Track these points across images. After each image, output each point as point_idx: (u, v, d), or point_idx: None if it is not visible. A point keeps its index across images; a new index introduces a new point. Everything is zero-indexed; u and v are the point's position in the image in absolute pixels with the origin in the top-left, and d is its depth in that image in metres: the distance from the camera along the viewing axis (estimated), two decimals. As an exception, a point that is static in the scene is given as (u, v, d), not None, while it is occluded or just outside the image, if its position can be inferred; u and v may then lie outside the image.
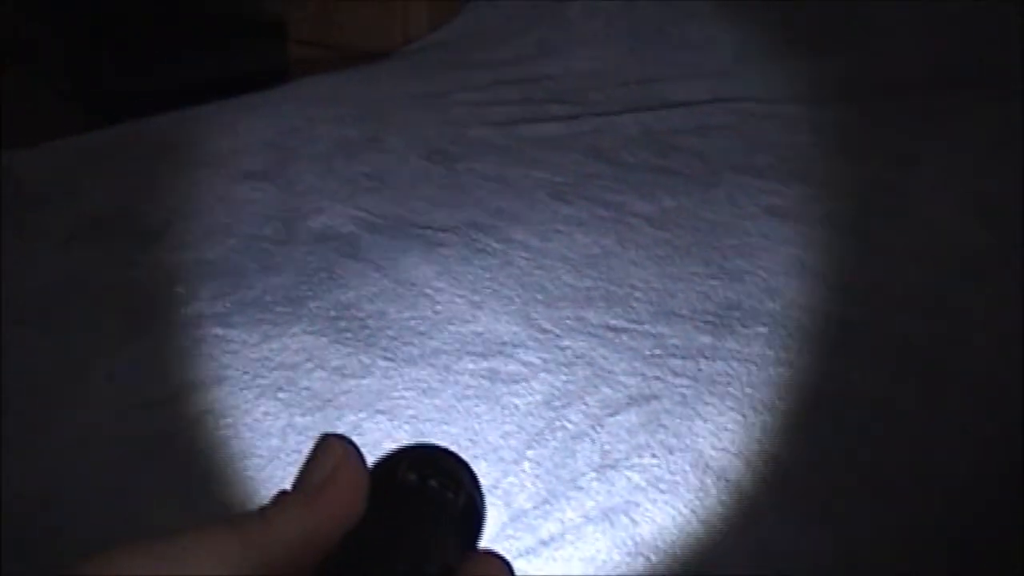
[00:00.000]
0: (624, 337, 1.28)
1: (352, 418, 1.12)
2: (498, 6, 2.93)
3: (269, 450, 1.10)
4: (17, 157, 1.96)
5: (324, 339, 1.30)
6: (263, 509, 0.35)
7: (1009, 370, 1.35)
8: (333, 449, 0.37)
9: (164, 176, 1.88)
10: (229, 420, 1.15)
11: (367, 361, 1.24)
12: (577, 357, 1.24)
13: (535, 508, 0.99)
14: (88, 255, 1.57)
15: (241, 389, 1.21)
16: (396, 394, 1.17)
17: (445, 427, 1.10)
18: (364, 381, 1.20)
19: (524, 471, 1.03)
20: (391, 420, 1.11)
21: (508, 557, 0.36)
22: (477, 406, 1.14)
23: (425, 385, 1.18)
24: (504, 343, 1.27)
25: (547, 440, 1.08)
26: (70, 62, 3.22)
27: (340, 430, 0.42)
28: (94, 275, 1.51)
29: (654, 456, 1.05)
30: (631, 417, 1.11)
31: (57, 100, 3.25)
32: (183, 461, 1.11)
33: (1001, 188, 1.72)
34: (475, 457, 1.05)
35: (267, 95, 2.40)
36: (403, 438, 1.09)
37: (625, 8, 2.64)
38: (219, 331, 1.34)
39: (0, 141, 2.16)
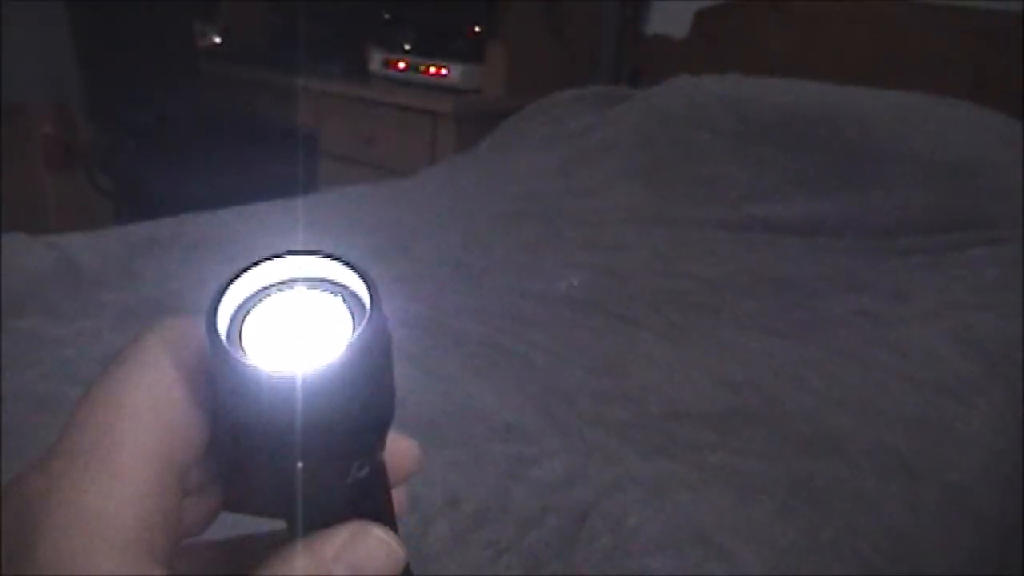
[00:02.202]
0: (635, 430, 1.42)
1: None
2: (520, 135, 3.12)
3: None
4: (71, 240, 2.11)
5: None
6: None
7: (988, 485, 1.50)
8: None
9: (207, 266, 2.02)
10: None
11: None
12: (593, 446, 1.37)
13: (554, 559, 1.12)
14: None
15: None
16: (432, 471, 1.30)
17: (477, 495, 1.23)
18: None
19: (546, 529, 1.17)
20: (430, 489, 1.24)
21: None
22: (504, 483, 1.27)
23: (460, 462, 1.32)
24: (528, 431, 1.41)
25: (565, 508, 1.21)
26: (114, 164, 3.38)
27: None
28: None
29: (661, 527, 1.18)
30: (640, 493, 1.24)
31: (97, 197, 3.42)
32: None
33: (992, 323, 1.87)
34: (503, 518, 1.18)
35: (303, 200, 2.57)
36: (439, 504, 1.22)
37: (640, 144, 2.82)
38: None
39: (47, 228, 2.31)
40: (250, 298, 0.38)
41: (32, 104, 3.57)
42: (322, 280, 0.38)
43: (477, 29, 3.43)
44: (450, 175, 2.95)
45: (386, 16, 3.66)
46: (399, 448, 0.40)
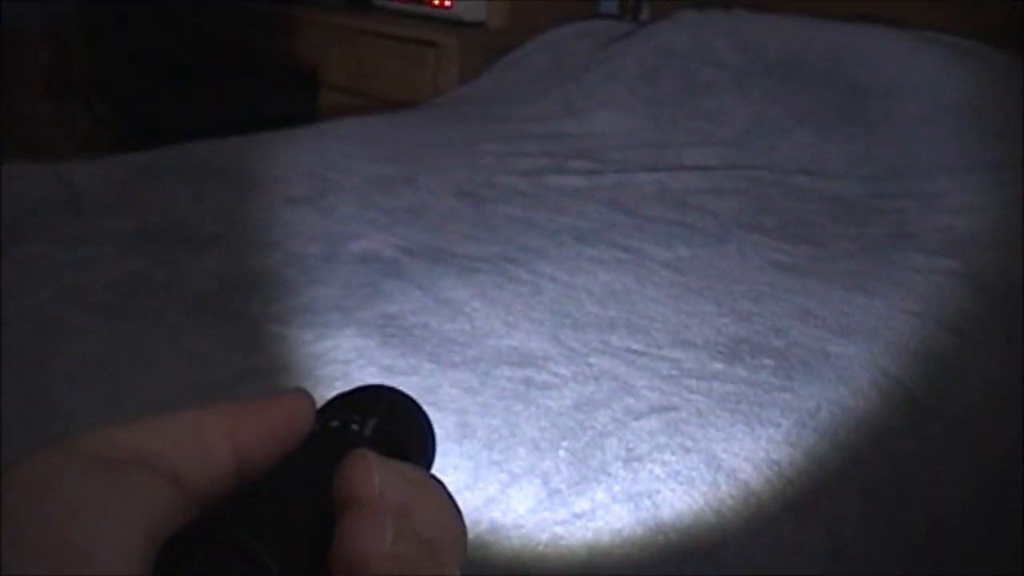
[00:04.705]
0: (644, 359, 1.42)
1: (402, 408, 1.26)
2: (523, 69, 3.10)
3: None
4: (75, 168, 2.10)
5: (372, 342, 1.43)
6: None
7: (992, 415, 1.51)
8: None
9: (212, 194, 2.02)
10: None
11: (414, 362, 1.37)
12: (602, 372, 1.38)
13: (569, 488, 1.12)
14: (146, 258, 1.71)
15: (300, 379, 1.34)
16: (442, 391, 1.30)
17: (487, 420, 1.24)
18: (412, 379, 1.33)
19: (559, 457, 1.17)
20: (438, 411, 1.24)
21: (547, 526, 0.35)
22: (515, 405, 1.28)
23: (468, 385, 1.32)
24: (536, 357, 1.41)
25: (578, 435, 1.21)
26: (112, 93, 3.36)
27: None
28: (154, 274, 1.65)
29: (672, 454, 1.19)
30: (652, 422, 1.25)
31: (94, 126, 3.40)
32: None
33: (994, 262, 1.88)
34: (515, 445, 1.19)
35: (306, 130, 2.56)
36: (449, 426, 1.22)
37: (645, 78, 2.81)
38: (275, 329, 1.48)
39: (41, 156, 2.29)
40: None
41: (30, 31, 3.54)
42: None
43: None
44: (453, 107, 2.94)
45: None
46: (285, 406, 0.39)
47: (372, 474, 0.33)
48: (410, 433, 0.41)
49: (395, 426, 0.40)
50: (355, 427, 0.38)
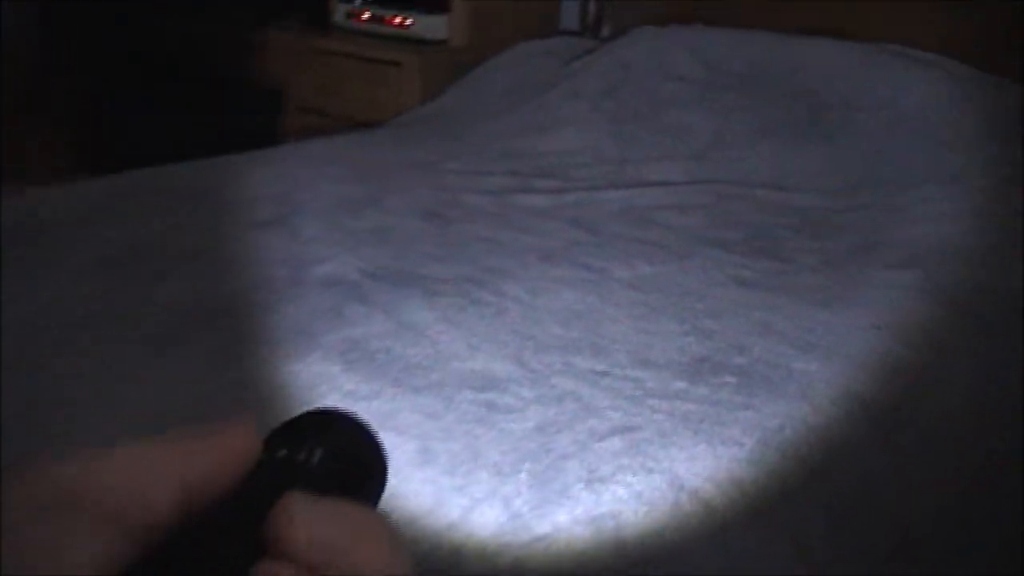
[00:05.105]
0: (607, 380, 1.43)
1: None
2: (486, 87, 3.11)
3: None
4: (36, 195, 2.10)
5: (336, 367, 1.43)
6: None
7: (958, 427, 1.53)
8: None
9: (174, 219, 2.02)
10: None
11: (377, 387, 1.38)
12: (565, 394, 1.38)
13: (530, 511, 1.13)
14: (104, 288, 1.70)
15: (264, 406, 1.34)
16: (404, 416, 1.31)
17: (449, 444, 1.24)
18: (374, 404, 1.34)
19: (521, 481, 1.17)
20: (400, 437, 1.25)
21: (509, 550, 0.35)
22: (476, 429, 1.28)
23: (430, 410, 1.32)
24: (499, 379, 1.42)
25: (540, 458, 1.22)
26: (77, 114, 3.35)
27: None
28: (117, 302, 1.65)
29: (635, 475, 1.19)
30: (614, 443, 1.25)
31: (60, 148, 3.38)
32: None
33: (957, 273, 1.89)
34: (476, 469, 1.19)
35: (271, 152, 2.56)
36: (411, 452, 1.22)
37: (607, 94, 2.82)
38: (241, 356, 1.48)
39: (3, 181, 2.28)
40: None
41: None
42: None
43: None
44: (418, 126, 2.94)
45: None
46: (231, 437, 0.38)
47: (298, 522, 0.34)
48: (360, 459, 0.41)
49: (344, 453, 0.39)
50: (302, 457, 0.38)
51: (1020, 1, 2.62)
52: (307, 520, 0.34)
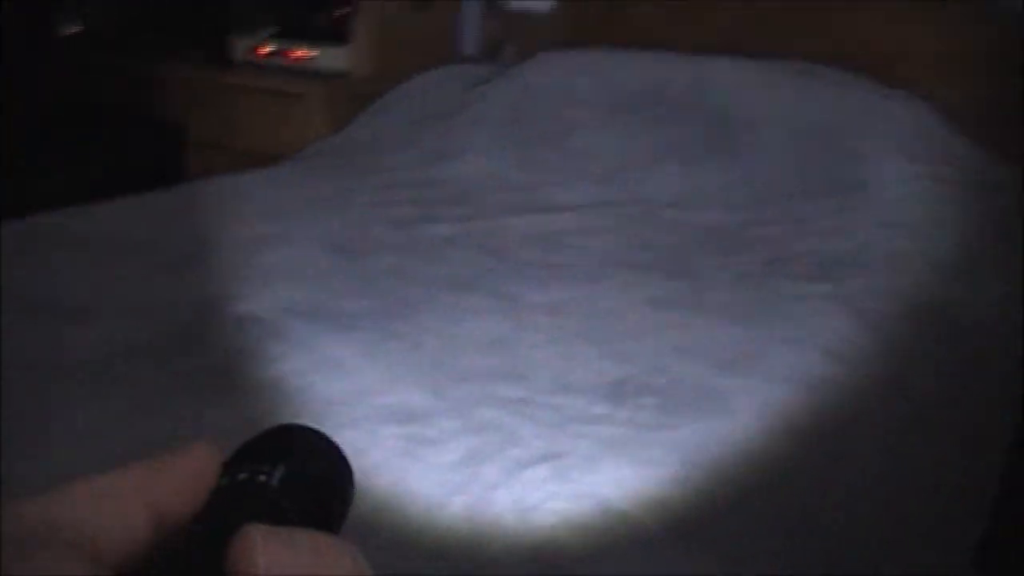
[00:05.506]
0: (529, 408, 1.44)
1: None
2: (390, 117, 3.11)
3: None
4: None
5: (257, 409, 1.43)
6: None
7: (874, 435, 1.56)
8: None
9: (84, 264, 1.98)
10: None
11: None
12: (488, 424, 1.39)
13: (462, 546, 1.13)
14: (22, 334, 1.67)
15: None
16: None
17: (376, 480, 1.24)
18: (298, 443, 1.33)
19: (453, 515, 1.18)
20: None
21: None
22: (403, 463, 1.28)
23: (355, 447, 1.31)
24: (421, 412, 1.42)
25: (470, 489, 1.22)
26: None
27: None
28: (30, 349, 1.62)
29: (564, 501, 1.21)
30: (541, 471, 1.27)
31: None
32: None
33: (867, 285, 1.93)
34: (406, 504, 1.19)
35: (178, 191, 2.54)
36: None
37: (511, 120, 2.83)
38: (158, 401, 1.46)
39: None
40: None
41: None
42: None
43: (340, 11, 3.40)
44: (324, 159, 2.93)
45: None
46: (192, 460, 0.38)
47: (257, 557, 0.33)
48: (323, 475, 0.39)
49: (305, 470, 0.38)
50: (263, 478, 0.37)
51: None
52: (266, 554, 0.33)
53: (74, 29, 3.93)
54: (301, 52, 3.39)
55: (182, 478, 0.36)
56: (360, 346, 1.63)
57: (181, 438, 0.39)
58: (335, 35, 3.39)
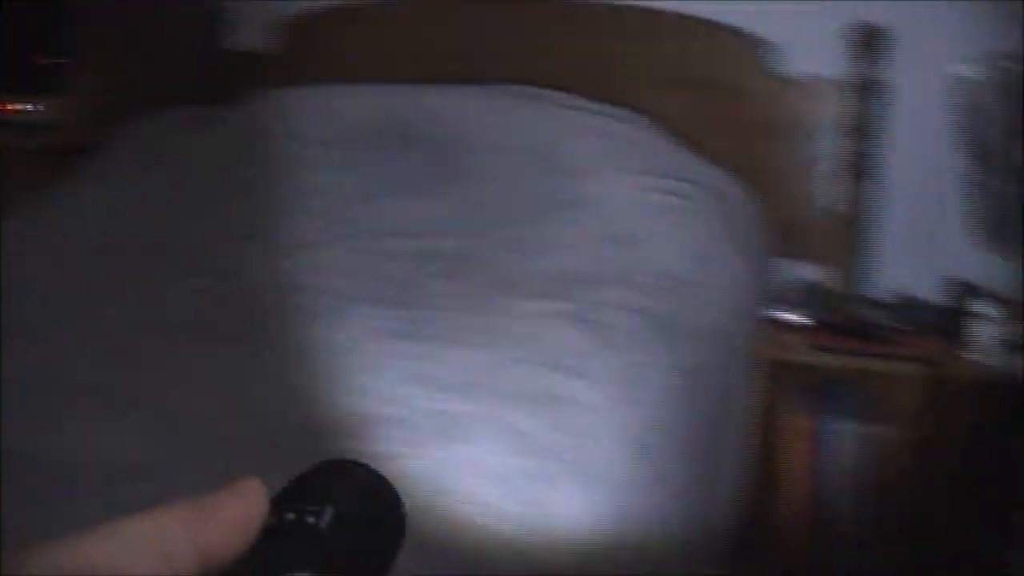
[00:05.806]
0: (261, 449, 1.43)
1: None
2: (113, 164, 3.00)
3: None
4: None
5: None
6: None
7: (620, 451, 1.59)
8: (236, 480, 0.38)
9: None
10: None
11: None
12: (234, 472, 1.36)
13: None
14: None
15: None
16: (65, 530, 1.25)
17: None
18: None
19: None
20: None
21: None
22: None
23: (91, 513, 1.27)
24: (158, 469, 1.39)
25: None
26: None
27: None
28: None
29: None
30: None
31: None
32: None
33: (597, 296, 1.98)
34: None
35: None
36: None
37: (232, 162, 2.76)
38: None
39: None
40: None
41: None
42: None
43: (52, 60, 3.26)
44: (39, 215, 2.79)
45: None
46: (239, 499, 0.38)
47: None
48: (373, 517, 0.40)
49: (355, 510, 0.38)
50: (311, 520, 0.37)
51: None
52: None
53: None
54: (11, 105, 3.24)
55: (230, 517, 0.36)
56: (91, 407, 1.58)
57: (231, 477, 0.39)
58: (49, 86, 3.24)
